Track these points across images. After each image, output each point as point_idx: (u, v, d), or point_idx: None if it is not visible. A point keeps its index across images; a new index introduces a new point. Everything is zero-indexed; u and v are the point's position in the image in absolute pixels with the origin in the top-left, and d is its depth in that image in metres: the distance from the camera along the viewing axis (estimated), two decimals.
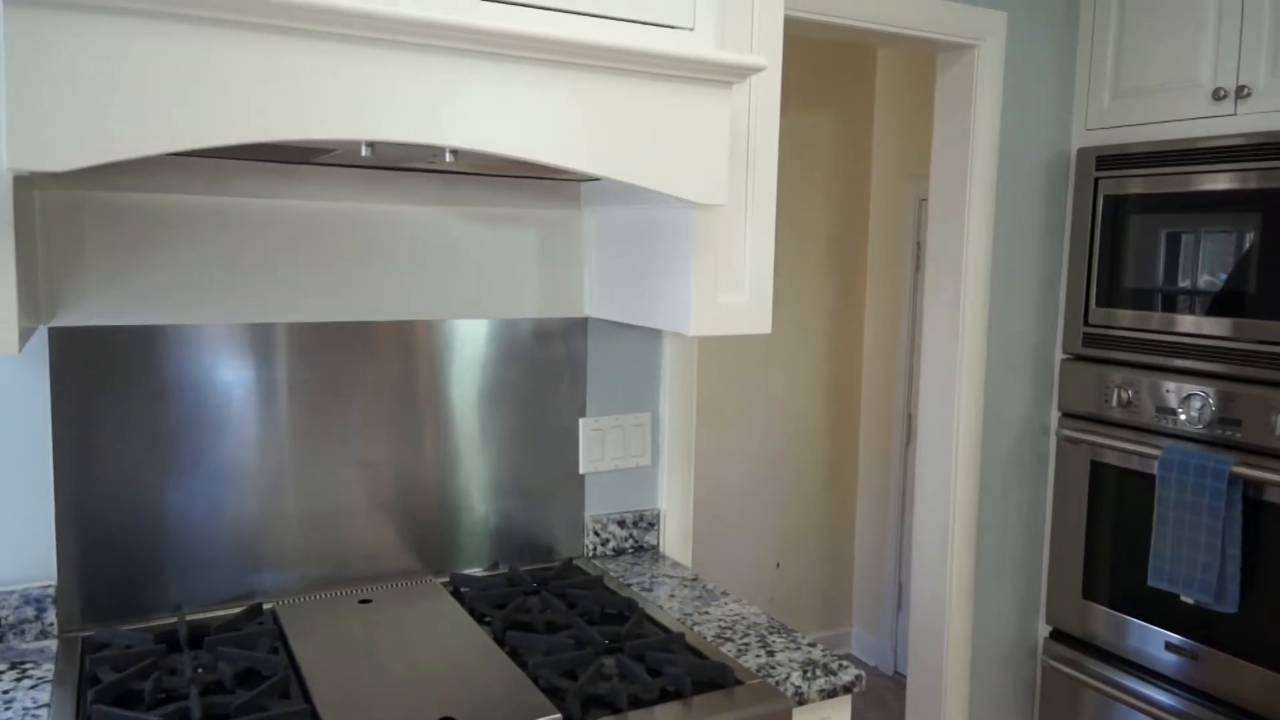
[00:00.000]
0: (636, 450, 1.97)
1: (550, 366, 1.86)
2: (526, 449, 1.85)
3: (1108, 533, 2.57)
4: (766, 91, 1.59)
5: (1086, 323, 2.61)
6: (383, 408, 1.71)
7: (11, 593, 1.45)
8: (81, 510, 1.49)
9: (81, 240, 1.46)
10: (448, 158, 1.30)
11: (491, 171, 1.68)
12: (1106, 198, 2.55)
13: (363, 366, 1.68)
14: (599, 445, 1.92)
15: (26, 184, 1.32)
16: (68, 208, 1.45)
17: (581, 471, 1.91)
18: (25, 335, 1.22)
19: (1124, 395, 2.49)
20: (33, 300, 1.34)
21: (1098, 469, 2.59)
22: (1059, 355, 2.78)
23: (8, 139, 0.95)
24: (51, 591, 1.47)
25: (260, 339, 1.60)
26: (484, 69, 1.18)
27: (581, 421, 1.90)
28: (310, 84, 1.08)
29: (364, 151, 1.27)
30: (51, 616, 1.47)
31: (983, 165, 2.56)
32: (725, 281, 1.59)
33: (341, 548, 1.69)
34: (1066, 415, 2.69)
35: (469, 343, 1.78)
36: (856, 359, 3.99)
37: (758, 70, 1.35)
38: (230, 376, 1.58)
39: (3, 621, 1.44)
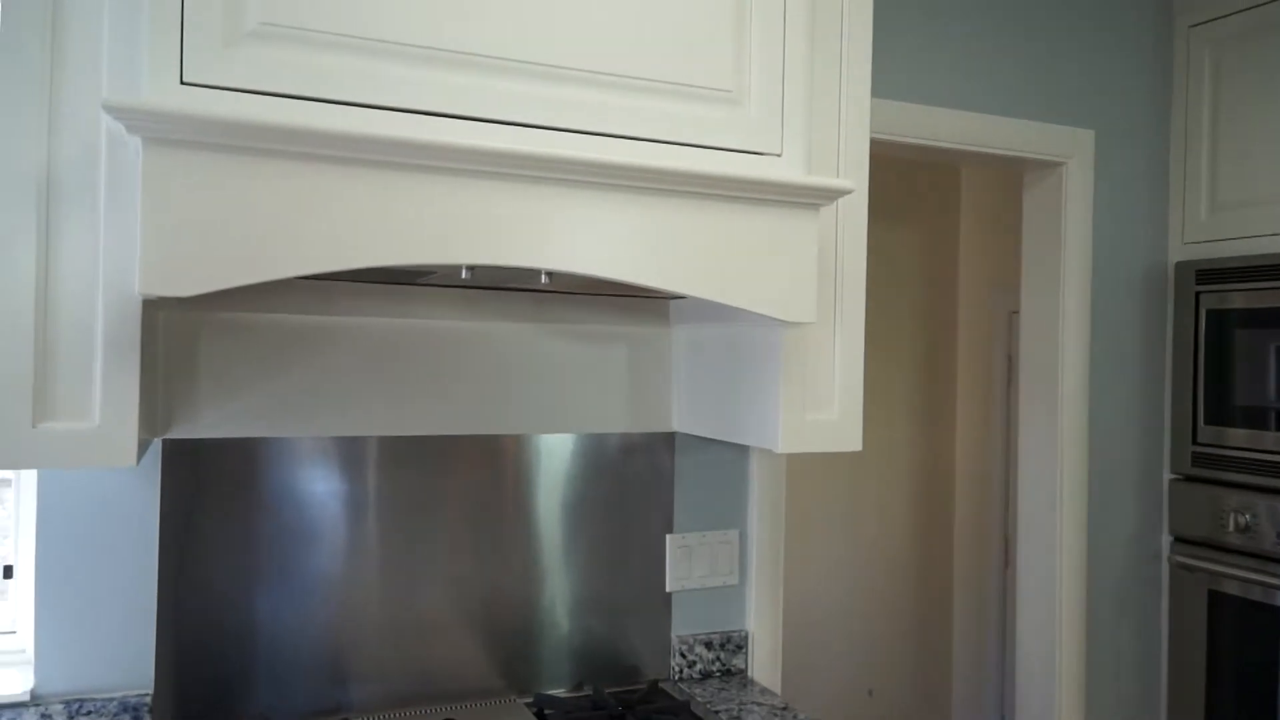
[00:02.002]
0: (724, 569, 1.93)
1: (637, 481, 1.86)
2: (613, 565, 1.84)
3: (1231, 669, 2.39)
4: (854, 211, 1.61)
5: (1195, 441, 2.50)
6: (470, 522, 1.72)
7: (111, 699, 1.47)
8: (180, 619, 1.52)
9: (197, 358, 1.54)
10: (543, 279, 1.34)
11: (584, 290, 1.73)
12: (1209, 312, 2.47)
13: (452, 480, 1.71)
14: (686, 562, 1.90)
15: (153, 306, 1.41)
16: (187, 327, 1.54)
17: (668, 589, 1.88)
18: (143, 448, 1.28)
19: (1241, 520, 2.36)
20: (151, 414, 1.42)
21: (1216, 599, 2.43)
22: (1167, 475, 2.66)
23: (141, 267, 1.03)
24: (148, 700, 1.49)
25: (354, 452, 1.64)
26: (581, 196, 1.23)
27: (669, 538, 1.88)
28: (418, 213, 1.14)
29: (464, 274, 1.33)
30: None
31: (1076, 279, 2.52)
32: (814, 398, 1.58)
33: (426, 663, 1.68)
34: (1179, 540, 2.55)
35: (557, 457, 1.80)
36: (949, 476, 3.88)
37: (845, 194, 1.37)
38: (324, 488, 1.62)
39: None
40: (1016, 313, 3.52)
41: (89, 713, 1.46)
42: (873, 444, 3.71)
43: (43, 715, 1.44)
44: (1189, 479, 2.54)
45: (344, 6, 1.15)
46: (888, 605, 3.75)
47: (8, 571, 1.57)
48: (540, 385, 1.79)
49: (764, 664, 1.96)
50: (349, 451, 1.64)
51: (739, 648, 1.94)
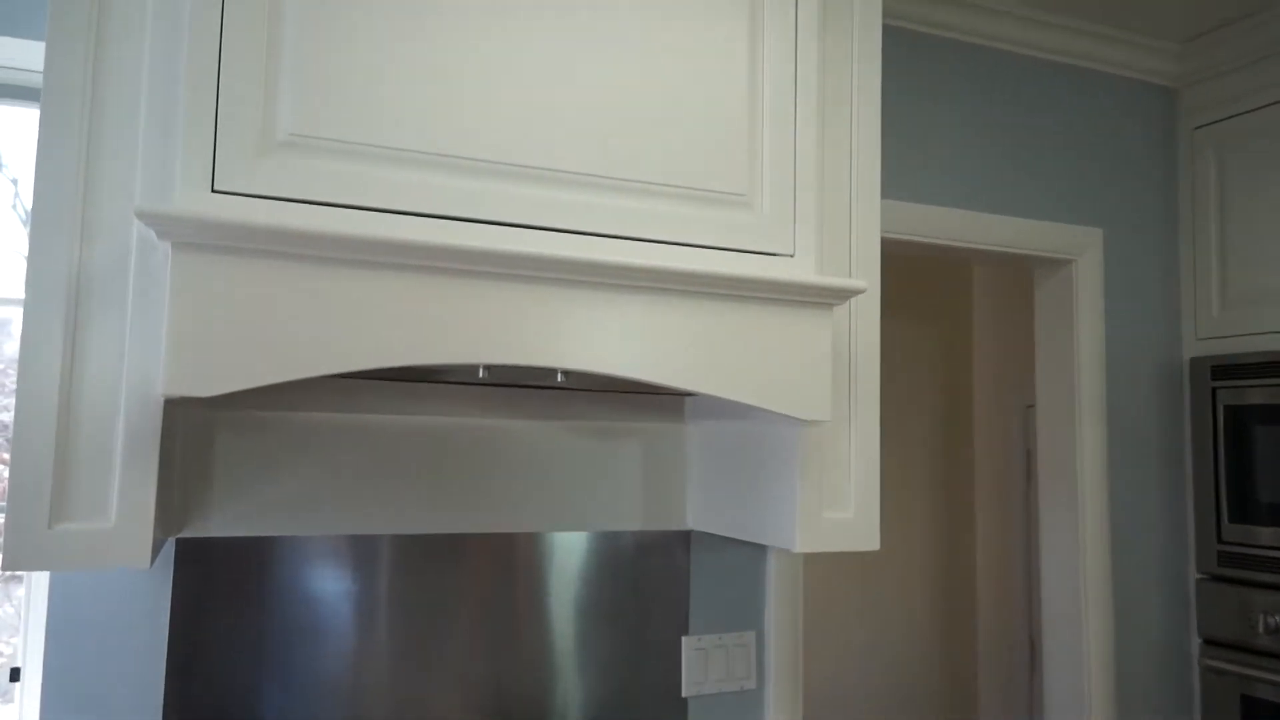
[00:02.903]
0: (741, 672, 1.89)
1: (652, 581, 1.83)
2: (627, 668, 1.79)
3: None
4: (867, 309, 1.62)
5: (1220, 540, 2.45)
6: (481, 622, 1.70)
7: None
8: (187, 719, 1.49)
9: (212, 456, 1.55)
10: (559, 377, 1.35)
11: (599, 388, 1.74)
12: (1227, 408, 2.46)
13: (463, 579, 1.69)
14: (702, 666, 1.85)
15: (171, 405, 1.43)
16: (203, 425, 1.55)
17: (684, 694, 1.83)
18: (156, 548, 1.27)
19: (1271, 621, 2.29)
20: (166, 514, 1.41)
21: (1251, 705, 2.35)
22: (1193, 575, 2.60)
23: (166, 368, 1.04)
24: None
25: (366, 551, 1.63)
26: (597, 297, 1.25)
27: (684, 640, 1.84)
28: (437, 314, 1.16)
29: (481, 373, 1.34)
30: None
31: (1090, 375, 2.52)
32: (831, 497, 1.57)
33: None
34: (1209, 643, 2.48)
35: (570, 555, 1.78)
36: (970, 574, 3.81)
37: (858, 293, 1.39)
38: (335, 588, 1.60)
39: None
40: (1033, 406, 3.51)
41: None
42: (891, 542, 3.66)
43: None
44: (1216, 579, 2.48)
45: (371, 118, 1.20)
46: (911, 709, 3.63)
47: (14, 674, 1.55)
48: (554, 482, 1.78)
49: None
50: (361, 550, 1.63)
51: None
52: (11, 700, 1.55)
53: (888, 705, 3.59)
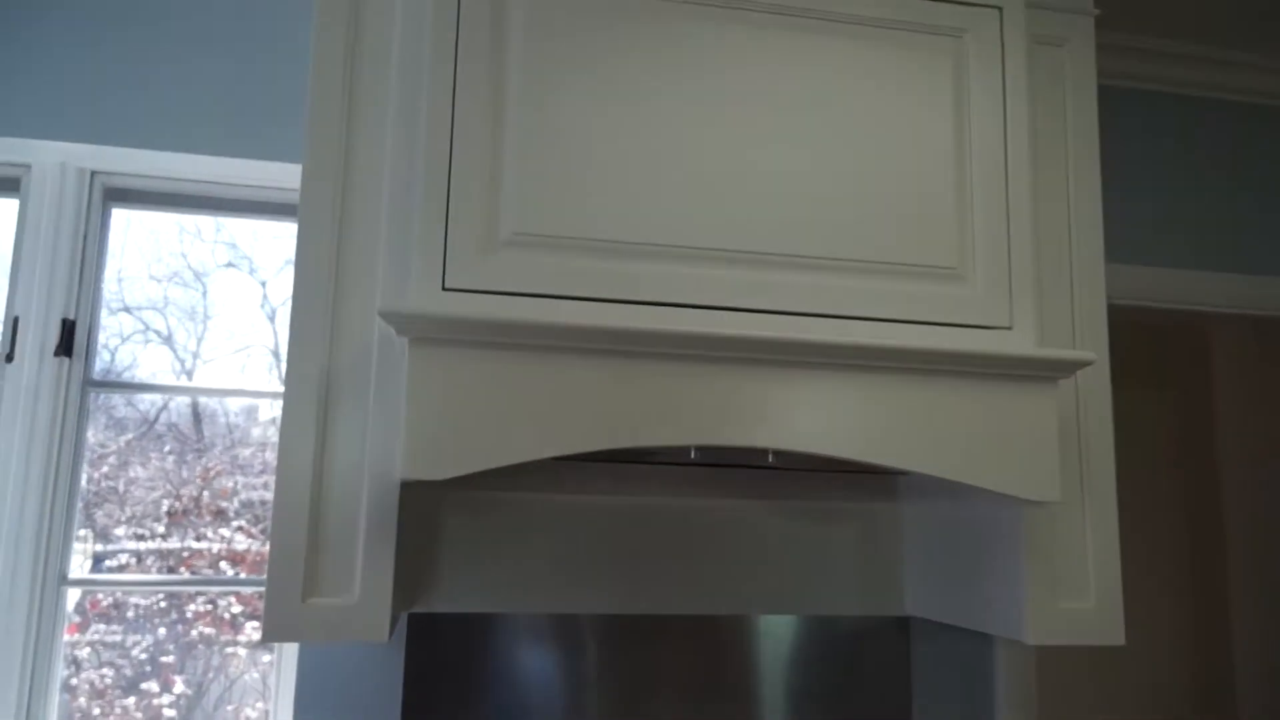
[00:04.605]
0: None
1: (870, 670, 1.75)
2: None
3: None
4: (1096, 381, 1.52)
5: None
6: (690, 706, 1.67)
7: None
8: None
9: (438, 535, 1.64)
10: (769, 457, 1.34)
11: (809, 467, 1.71)
12: None
13: (673, 660, 1.68)
14: None
15: (404, 487, 1.53)
16: (431, 506, 1.64)
17: None
18: (393, 623, 1.36)
19: None
20: (400, 590, 1.51)
21: None
22: None
23: (404, 453, 1.12)
24: None
25: (578, 629, 1.66)
26: (810, 376, 1.24)
27: None
28: (655, 398, 1.19)
29: (692, 453, 1.35)
30: None
31: None
32: (1067, 585, 1.46)
33: None
34: None
35: (780, 640, 1.73)
36: (1226, 674, 3.38)
37: (1084, 365, 1.30)
38: (549, 665, 1.63)
39: None
40: None
41: None
42: (1134, 635, 3.32)
43: None
44: None
45: (585, 214, 1.26)
46: None
47: None
48: (764, 564, 1.76)
49: None
50: (574, 628, 1.66)
51: None
52: None
53: None
